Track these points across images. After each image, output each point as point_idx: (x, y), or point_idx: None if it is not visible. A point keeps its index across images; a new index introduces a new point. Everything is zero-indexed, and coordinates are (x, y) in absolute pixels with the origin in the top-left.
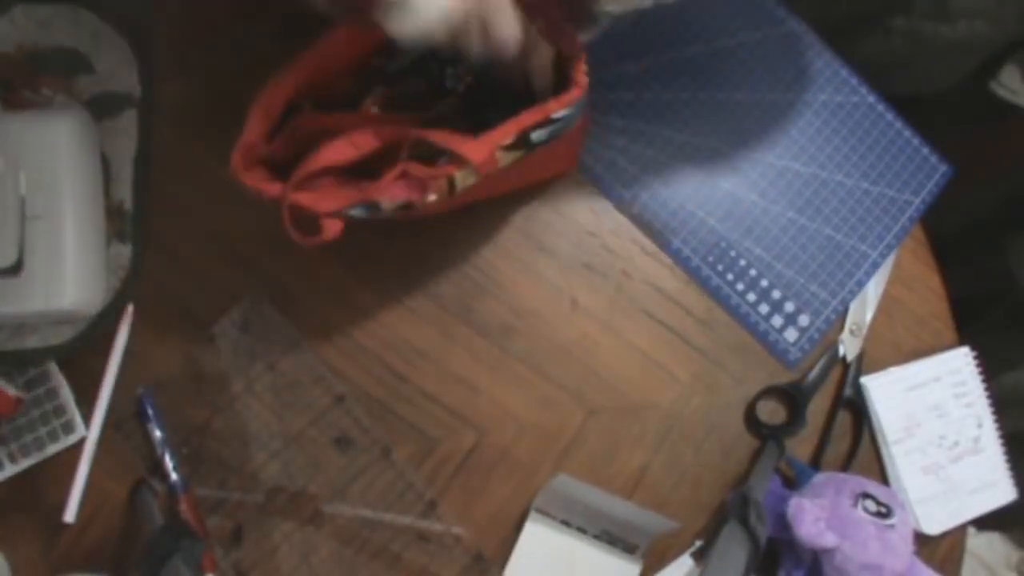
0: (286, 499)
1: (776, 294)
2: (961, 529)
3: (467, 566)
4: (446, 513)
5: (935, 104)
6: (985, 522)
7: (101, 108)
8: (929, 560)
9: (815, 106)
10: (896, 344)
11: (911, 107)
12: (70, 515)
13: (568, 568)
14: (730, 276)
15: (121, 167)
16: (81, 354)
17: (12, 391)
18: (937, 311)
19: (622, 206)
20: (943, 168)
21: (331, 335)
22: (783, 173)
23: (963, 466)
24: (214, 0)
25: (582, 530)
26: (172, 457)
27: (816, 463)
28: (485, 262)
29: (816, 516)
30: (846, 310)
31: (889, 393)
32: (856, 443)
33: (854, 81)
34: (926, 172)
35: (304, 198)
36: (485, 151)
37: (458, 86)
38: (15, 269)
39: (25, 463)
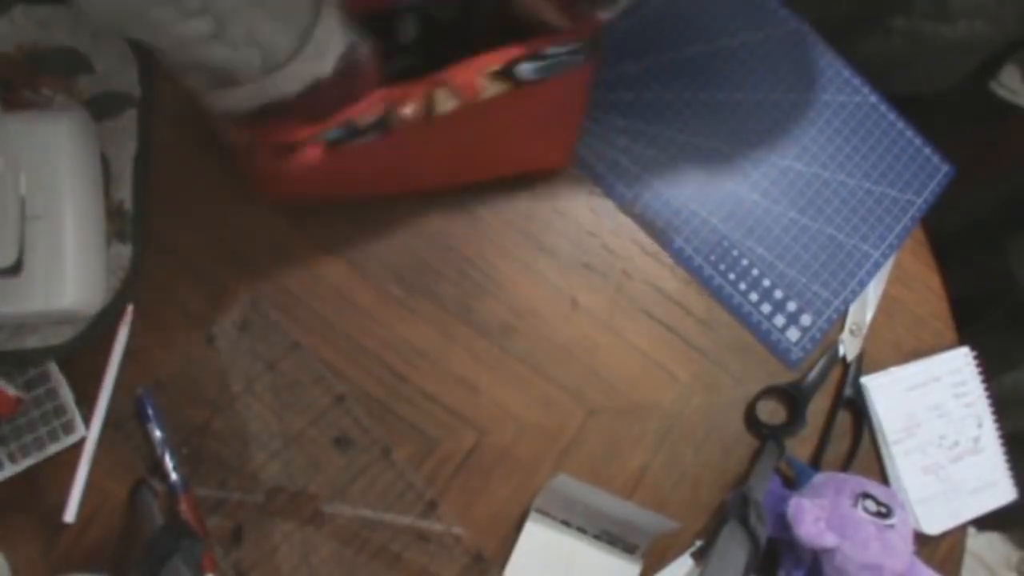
0: (286, 499)
1: (778, 294)
2: (961, 529)
3: (467, 566)
4: (446, 513)
5: (935, 104)
6: (985, 522)
7: (101, 108)
8: (929, 560)
9: (817, 106)
10: (896, 344)
11: (911, 107)
12: (70, 515)
13: (568, 568)
14: (732, 276)
15: (121, 167)
16: (81, 354)
17: (12, 391)
18: (937, 311)
19: (624, 205)
20: (945, 168)
21: (331, 335)
22: (785, 173)
23: (963, 466)
24: None
25: (582, 530)
26: (172, 457)
27: (816, 463)
28: (485, 262)
29: (816, 516)
30: (847, 310)
31: (889, 393)
32: (856, 443)
33: (856, 81)
34: (928, 172)
35: (277, 131)
36: (468, 72)
37: (409, 36)
38: (15, 269)
39: (25, 463)
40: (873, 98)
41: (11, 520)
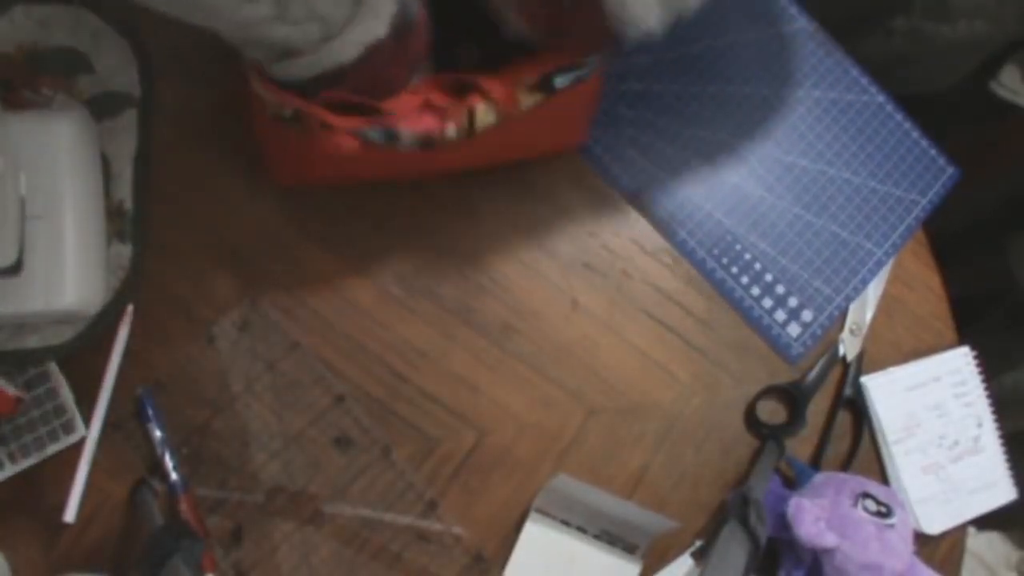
0: (286, 499)
1: (780, 289)
2: (961, 529)
3: (467, 566)
4: (446, 513)
5: (935, 104)
6: (985, 522)
7: (101, 108)
8: (929, 560)
9: (824, 104)
10: (896, 344)
11: (911, 107)
12: (70, 515)
13: (568, 568)
14: (735, 270)
15: (121, 167)
16: (81, 354)
17: (12, 391)
18: (937, 311)
19: (629, 197)
20: (950, 170)
21: (331, 335)
22: (790, 169)
23: (963, 466)
24: None
25: (582, 530)
26: (172, 457)
27: (816, 463)
28: (485, 262)
29: (816, 516)
30: (848, 308)
31: (889, 393)
32: (856, 443)
33: (864, 80)
34: (933, 173)
35: (323, 112)
36: (507, 86)
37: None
38: (15, 269)
39: (25, 463)
40: (880, 97)
41: (11, 520)
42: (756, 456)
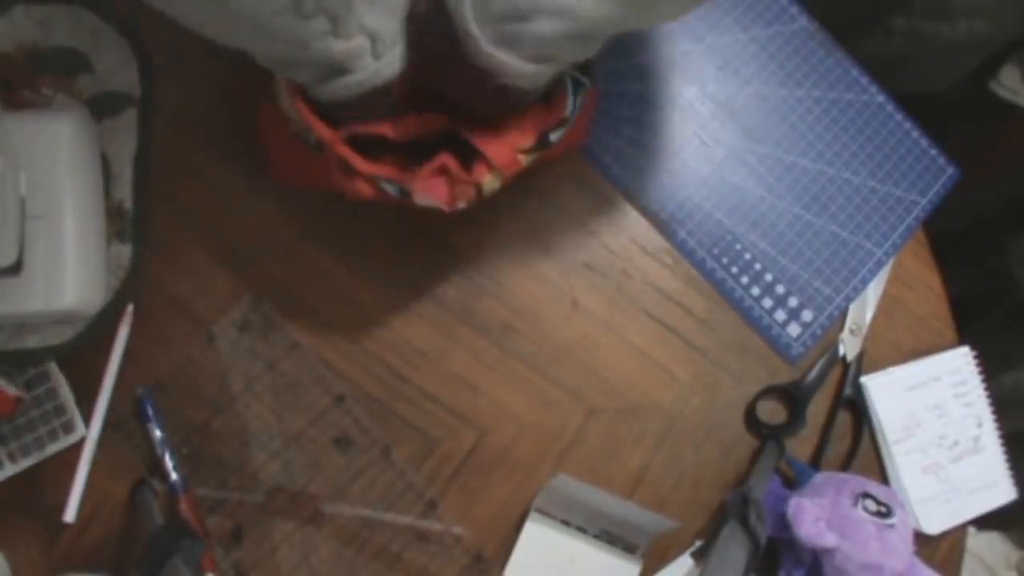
0: (286, 499)
1: (780, 289)
2: (961, 529)
3: (467, 566)
4: (446, 513)
5: (935, 104)
6: (985, 522)
7: (101, 108)
8: (929, 560)
9: (824, 103)
10: (896, 344)
11: (911, 107)
12: (70, 515)
13: (568, 568)
14: (735, 269)
15: (121, 167)
16: (81, 354)
17: (12, 391)
18: (937, 311)
19: (629, 196)
20: (950, 170)
21: (331, 335)
22: (791, 168)
23: (963, 466)
24: None
25: (582, 530)
26: (172, 457)
27: (816, 463)
28: (485, 262)
29: (816, 516)
30: (848, 308)
31: (889, 393)
32: (856, 443)
33: (864, 80)
34: (933, 173)
35: (350, 153)
36: (508, 153)
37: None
38: (15, 269)
39: (25, 463)
40: (880, 97)
41: (11, 520)
42: (756, 456)
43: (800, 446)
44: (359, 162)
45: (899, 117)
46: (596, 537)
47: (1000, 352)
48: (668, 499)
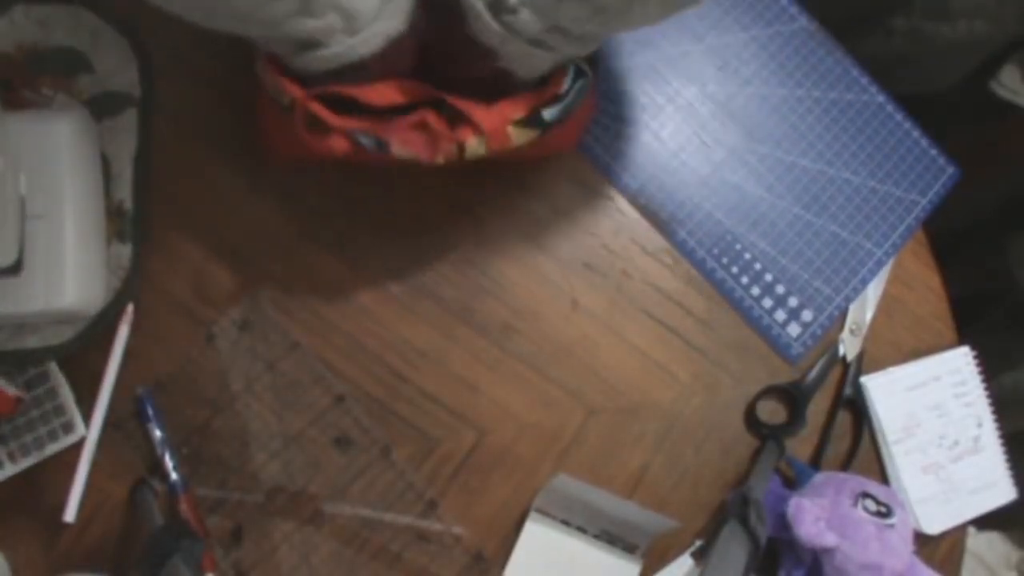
0: (286, 499)
1: (780, 289)
2: (961, 529)
3: (467, 566)
4: (446, 513)
5: (935, 104)
6: (985, 522)
7: (101, 108)
8: (929, 560)
9: (824, 103)
10: (896, 344)
11: (911, 107)
12: (70, 515)
13: (568, 568)
14: (735, 269)
15: (121, 167)
16: (81, 354)
17: (12, 391)
18: (937, 311)
19: (629, 196)
20: (950, 170)
21: (331, 335)
22: (791, 168)
23: (963, 466)
24: None
25: (582, 530)
26: (172, 457)
27: (816, 463)
28: (485, 262)
29: (816, 516)
30: (848, 308)
31: (889, 393)
32: (856, 443)
33: (864, 80)
34: (933, 173)
35: (321, 109)
36: (497, 121)
37: None
38: (15, 269)
39: (25, 463)
40: (880, 97)
41: (11, 520)
42: (756, 456)
43: (800, 446)
44: (331, 116)
45: (899, 117)
46: (596, 537)
47: (1000, 352)
48: (668, 499)
